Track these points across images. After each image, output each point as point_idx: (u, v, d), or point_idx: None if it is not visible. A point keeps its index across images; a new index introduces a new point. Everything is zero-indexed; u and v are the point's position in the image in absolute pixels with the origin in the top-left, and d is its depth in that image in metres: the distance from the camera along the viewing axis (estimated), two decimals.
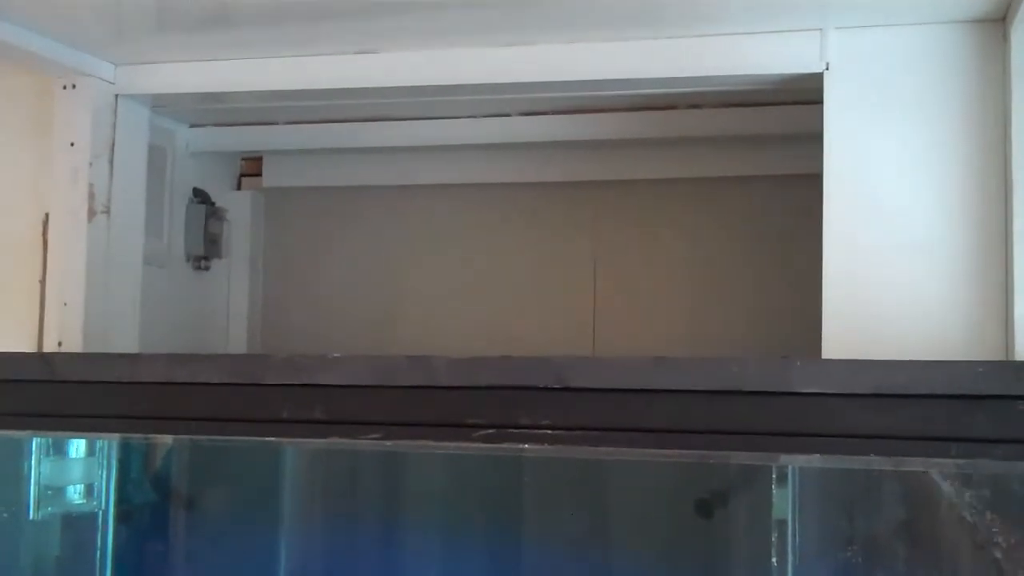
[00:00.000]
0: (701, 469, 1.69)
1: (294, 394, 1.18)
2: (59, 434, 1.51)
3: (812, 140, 1.38)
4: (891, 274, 1.30)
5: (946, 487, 1.26)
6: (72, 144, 1.55)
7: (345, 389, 1.17)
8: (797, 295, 1.75)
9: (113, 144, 1.59)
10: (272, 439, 1.17)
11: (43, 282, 1.58)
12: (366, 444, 1.15)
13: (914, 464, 1.09)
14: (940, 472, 1.24)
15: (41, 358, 1.39)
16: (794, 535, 1.36)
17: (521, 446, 1.12)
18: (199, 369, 1.18)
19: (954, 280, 1.29)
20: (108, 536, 1.77)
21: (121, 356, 1.37)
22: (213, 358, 1.24)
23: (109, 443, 1.71)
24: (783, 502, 1.34)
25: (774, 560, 1.36)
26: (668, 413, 1.10)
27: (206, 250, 1.98)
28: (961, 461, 1.03)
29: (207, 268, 2.01)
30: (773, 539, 1.37)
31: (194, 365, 1.20)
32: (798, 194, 1.65)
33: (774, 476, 1.34)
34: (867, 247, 1.31)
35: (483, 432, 1.12)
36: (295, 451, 1.96)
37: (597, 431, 1.11)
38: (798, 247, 1.79)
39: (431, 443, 1.15)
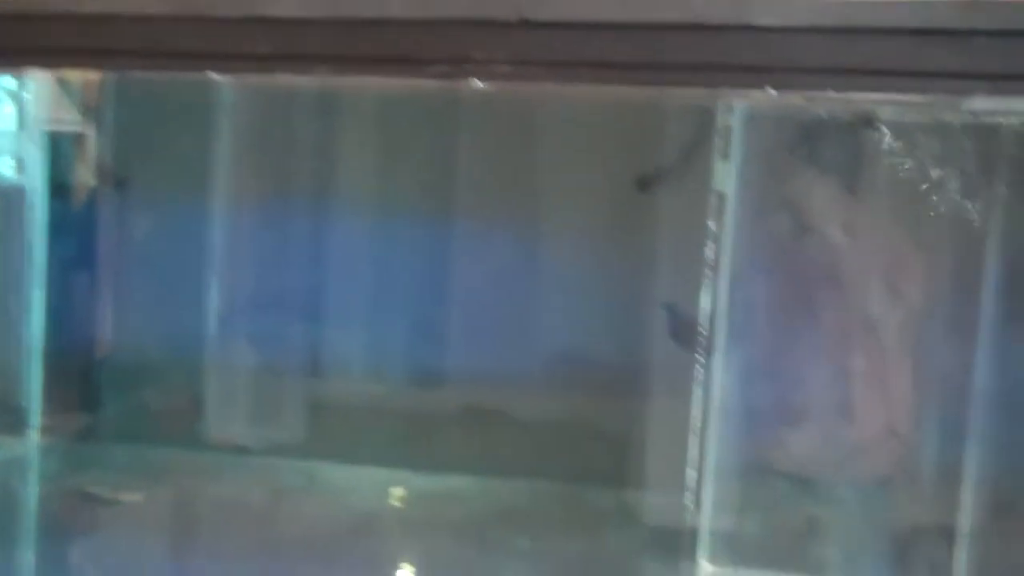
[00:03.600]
0: (643, 144, 1.69)
1: (240, 27, 1.13)
2: None
3: None
4: None
5: (888, 139, 1.27)
6: None
7: (293, 22, 1.12)
8: None
9: None
10: (216, 75, 1.13)
11: None
12: (314, 80, 1.12)
13: (870, 99, 1.09)
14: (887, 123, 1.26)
15: None
16: (734, 204, 1.38)
17: (475, 81, 1.10)
18: (143, 1, 1.12)
19: None
20: (38, 211, 1.75)
21: None
22: None
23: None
24: (724, 173, 1.36)
25: (711, 224, 1.39)
26: (627, 48, 1.08)
27: None
28: (917, 96, 1.03)
29: None
30: (710, 207, 1.39)
31: None
32: None
33: (716, 147, 1.35)
34: None
35: (436, 67, 1.10)
36: (233, 107, 1.93)
37: (553, 66, 1.09)
38: None
39: (383, 79, 1.12)
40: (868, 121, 1.23)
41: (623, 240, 1.71)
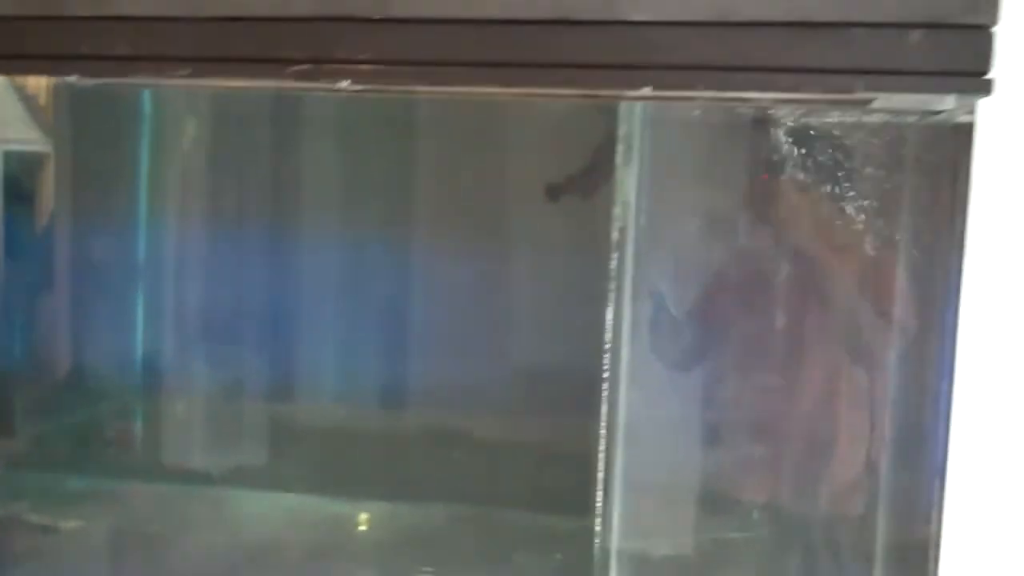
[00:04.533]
0: (551, 153, 1.65)
1: (95, 26, 1.08)
2: None
3: None
4: None
5: (785, 142, 1.23)
6: None
7: (151, 21, 1.08)
8: None
9: None
10: (72, 77, 1.08)
11: None
12: (176, 82, 1.07)
13: (763, 98, 1.05)
14: (781, 125, 1.21)
15: None
16: (637, 212, 1.33)
17: (339, 82, 1.05)
18: None
19: None
20: None
21: None
22: None
23: None
24: (629, 178, 1.31)
25: (615, 235, 1.34)
26: (496, 46, 1.03)
27: None
28: (794, 93, 0.98)
29: None
30: (615, 214, 1.34)
31: None
32: None
33: (620, 152, 1.31)
34: None
35: (297, 68, 1.05)
36: (196, 125, 1.88)
37: (422, 65, 1.04)
38: None
39: (243, 80, 1.07)
40: (766, 123, 1.18)
41: (535, 253, 1.66)
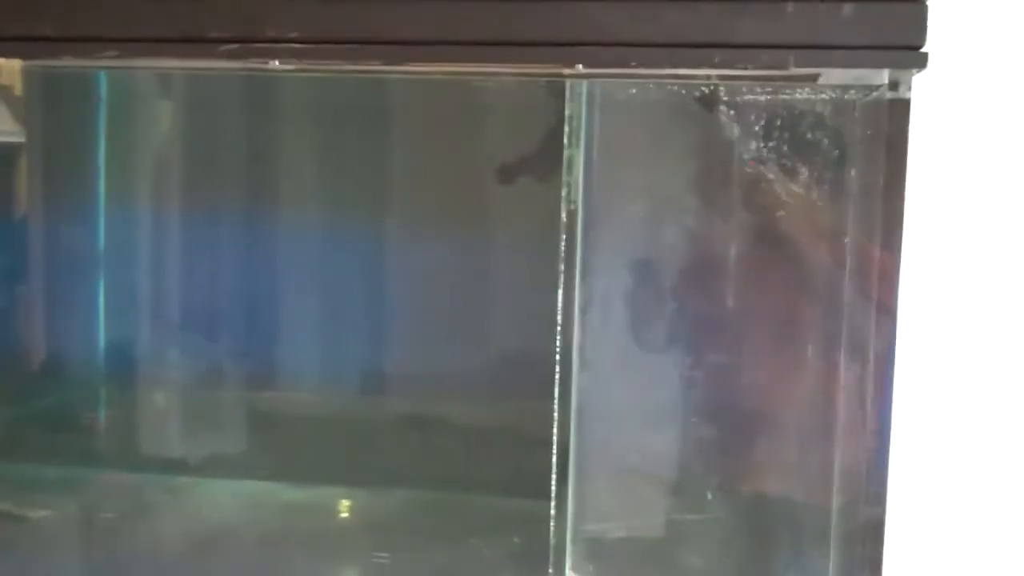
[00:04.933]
0: (503, 134, 1.63)
1: (19, 7, 1.06)
2: None
3: None
4: None
5: (732, 121, 1.21)
6: None
7: (76, 1, 1.06)
8: None
9: None
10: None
11: None
12: (102, 63, 1.05)
13: (684, 70, 1.03)
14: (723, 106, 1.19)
15: None
16: (586, 193, 1.31)
17: (269, 62, 1.03)
18: None
19: None
20: None
21: None
22: None
23: None
24: (576, 160, 1.30)
25: (563, 217, 1.32)
26: (426, 25, 1.01)
27: None
28: (729, 69, 0.96)
29: None
30: (563, 195, 1.32)
31: None
32: None
33: (567, 133, 1.29)
34: None
35: (226, 47, 1.03)
36: (167, 110, 1.86)
37: (353, 43, 1.02)
38: None
39: (171, 61, 1.05)
40: (711, 102, 1.17)
41: (497, 236, 1.65)
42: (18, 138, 1.90)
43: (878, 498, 1.17)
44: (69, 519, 1.68)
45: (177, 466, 1.81)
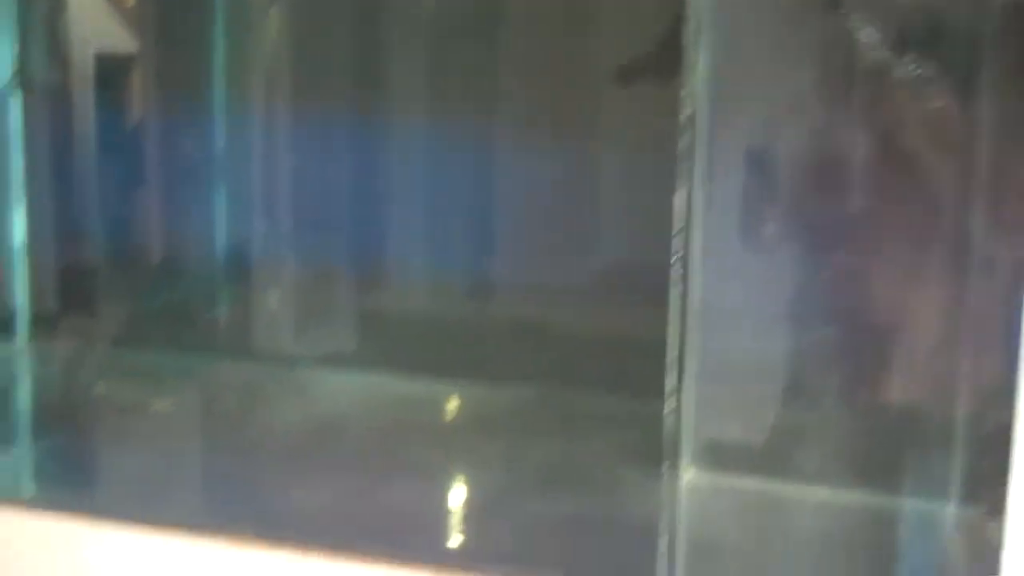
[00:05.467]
0: (620, 36, 1.60)
1: None
2: None
3: None
4: None
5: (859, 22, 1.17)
6: None
7: None
8: None
9: None
10: None
11: None
12: None
13: None
14: None
15: None
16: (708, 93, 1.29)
17: None
18: None
19: None
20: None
21: None
22: None
23: None
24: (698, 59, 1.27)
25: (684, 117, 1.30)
26: None
27: None
28: None
29: None
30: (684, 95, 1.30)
31: None
32: None
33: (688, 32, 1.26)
34: None
35: None
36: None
37: None
38: None
39: None
40: (837, 1, 1.13)
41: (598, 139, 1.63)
42: (130, 48, 1.93)
43: (1007, 406, 1.16)
44: (188, 409, 1.73)
45: (292, 359, 1.86)
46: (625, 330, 1.63)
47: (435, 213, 1.86)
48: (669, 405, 1.41)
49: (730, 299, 1.36)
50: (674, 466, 1.40)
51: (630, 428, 1.54)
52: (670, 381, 1.40)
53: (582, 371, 1.68)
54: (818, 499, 1.38)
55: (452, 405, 1.73)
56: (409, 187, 1.89)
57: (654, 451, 1.43)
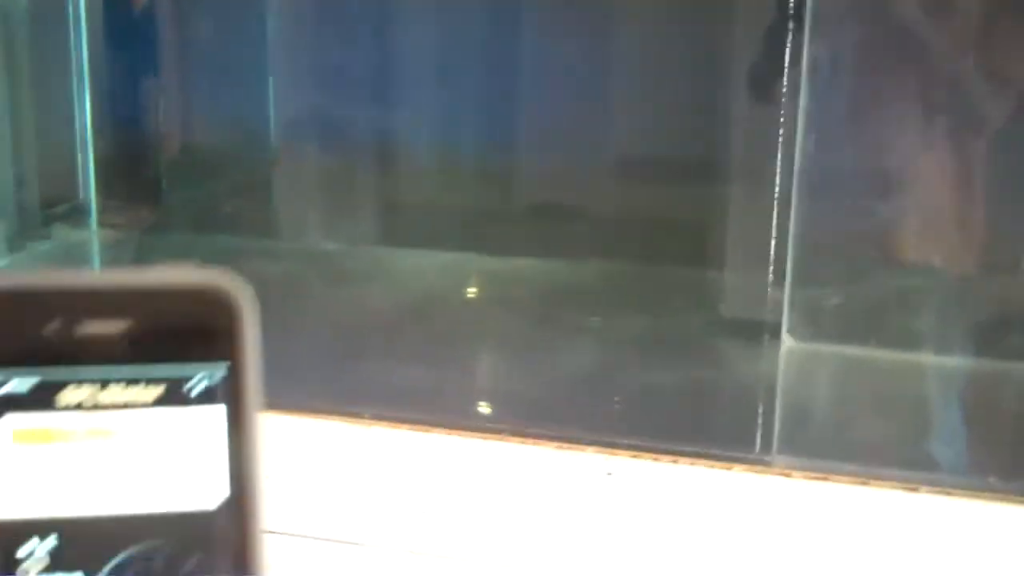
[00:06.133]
0: None
1: None
2: None
3: None
4: None
5: None
6: None
7: None
8: None
9: None
10: None
11: None
12: None
13: None
14: None
15: None
16: None
17: None
18: None
19: None
20: None
21: None
22: None
23: None
24: None
25: None
26: None
27: None
28: None
29: None
30: None
31: None
32: None
33: None
34: None
35: None
36: None
37: None
38: None
39: None
40: None
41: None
42: None
43: None
44: (276, 287, 1.66)
45: (374, 238, 1.84)
46: (671, 211, 1.62)
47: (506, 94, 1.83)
48: (771, 274, 1.40)
49: (834, 164, 1.34)
50: (775, 334, 1.39)
51: (732, 298, 1.52)
52: (773, 248, 1.38)
53: (671, 245, 1.66)
54: (917, 364, 1.37)
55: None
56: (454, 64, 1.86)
57: (755, 320, 1.42)
